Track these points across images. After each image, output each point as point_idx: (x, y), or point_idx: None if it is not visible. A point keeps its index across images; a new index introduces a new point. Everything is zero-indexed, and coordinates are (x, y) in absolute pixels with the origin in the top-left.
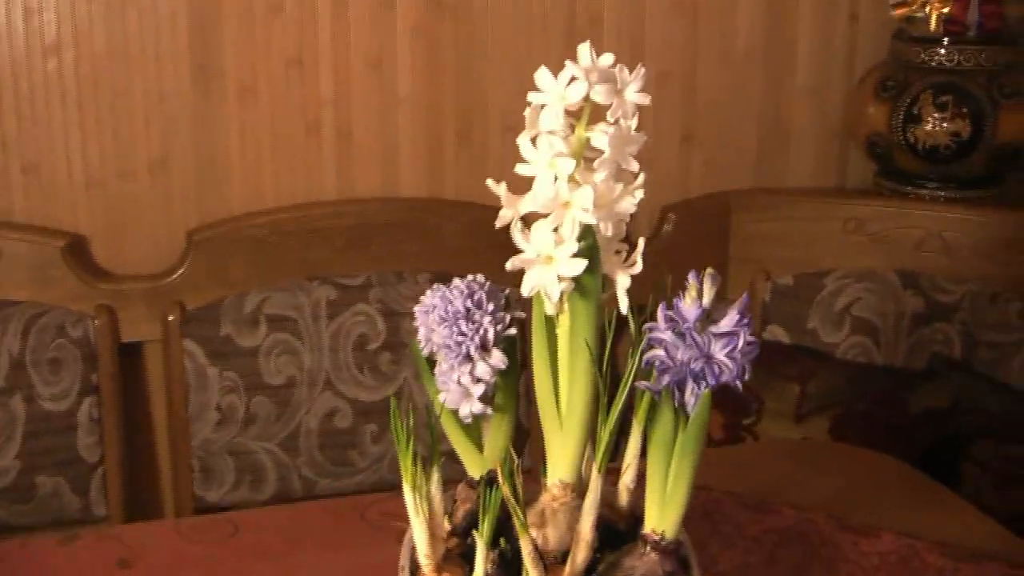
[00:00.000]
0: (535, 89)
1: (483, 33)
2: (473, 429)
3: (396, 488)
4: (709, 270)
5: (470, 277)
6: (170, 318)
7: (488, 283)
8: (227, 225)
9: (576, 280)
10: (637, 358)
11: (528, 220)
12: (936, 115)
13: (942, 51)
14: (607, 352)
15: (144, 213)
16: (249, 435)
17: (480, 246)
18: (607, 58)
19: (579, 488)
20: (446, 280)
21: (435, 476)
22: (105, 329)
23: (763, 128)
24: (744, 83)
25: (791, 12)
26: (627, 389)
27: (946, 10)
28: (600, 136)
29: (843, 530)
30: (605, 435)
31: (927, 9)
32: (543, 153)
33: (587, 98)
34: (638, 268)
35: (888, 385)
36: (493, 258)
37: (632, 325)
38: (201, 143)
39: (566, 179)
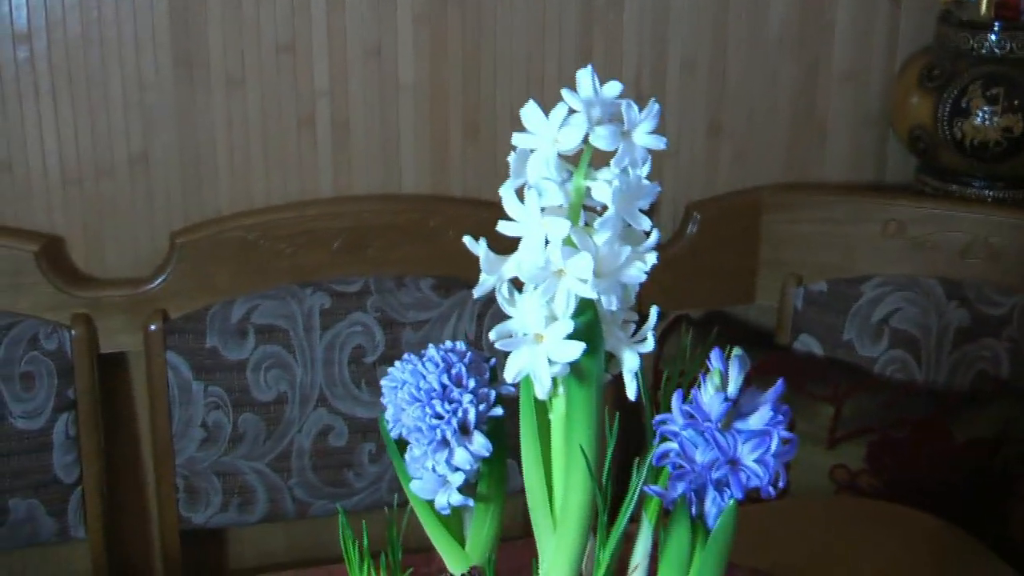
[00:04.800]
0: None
1: (490, 19)
2: (453, 520)
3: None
4: (736, 350)
5: (448, 344)
6: (151, 328)
7: (469, 352)
8: (213, 227)
9: (572, 363)
10: (646, 461)
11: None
12: (986, 108)
13: (993, 37)
14: (607, 461)
15: (124, 213)
16: (237, 454)
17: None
18: (613, 88)
19: None
20: (452, 286)
21: None
22: (82, 340)
23: (796, 118)
24: (777, 70)
25: None
26: (631, 507)
27: None
28: (603, 187)
29: None
30: (606, 558)
31: None
32: (531, 209)
33: (587, 140)
34: (650, 346)
35: (929, 409)
36: None
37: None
38: (185, 138)
39: (560, 242)
